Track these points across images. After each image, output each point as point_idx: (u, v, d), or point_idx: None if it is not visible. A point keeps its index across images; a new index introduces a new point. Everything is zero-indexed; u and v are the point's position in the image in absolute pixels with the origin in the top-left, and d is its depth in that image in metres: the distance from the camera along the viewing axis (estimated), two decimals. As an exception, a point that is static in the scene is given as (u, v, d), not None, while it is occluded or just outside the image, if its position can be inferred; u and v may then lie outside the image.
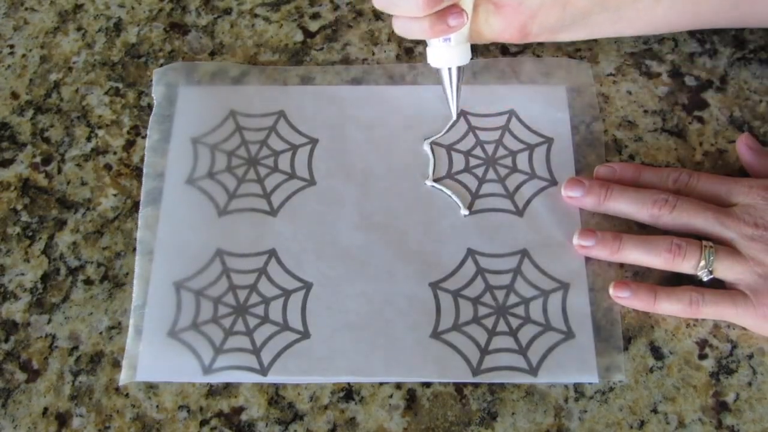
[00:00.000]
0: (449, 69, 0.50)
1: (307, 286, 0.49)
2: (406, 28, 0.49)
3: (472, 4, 0.49)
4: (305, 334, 0.47)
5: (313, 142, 0.54)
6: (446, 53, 0.50)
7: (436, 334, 0.47)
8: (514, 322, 0.48)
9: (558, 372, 0.46)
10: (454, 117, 0.53)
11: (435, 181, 0.52)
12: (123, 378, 0.46)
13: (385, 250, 0.50)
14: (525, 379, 0.46)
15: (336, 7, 0.60)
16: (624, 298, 0.47)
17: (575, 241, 0.49)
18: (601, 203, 0.49)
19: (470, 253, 0.50)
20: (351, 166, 0.53)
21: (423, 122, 0.54)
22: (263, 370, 0.46)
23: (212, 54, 0.58)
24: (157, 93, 0.56)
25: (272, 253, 0.50)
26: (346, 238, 0.50)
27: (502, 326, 0.47)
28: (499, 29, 0.52)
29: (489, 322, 0.48)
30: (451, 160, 0.53)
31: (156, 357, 0.47)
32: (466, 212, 0.51)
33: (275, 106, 0.55)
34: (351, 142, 0.54)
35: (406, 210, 0.51)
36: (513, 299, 0.48)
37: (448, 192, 0.52)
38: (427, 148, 0.54)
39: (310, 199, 0.52)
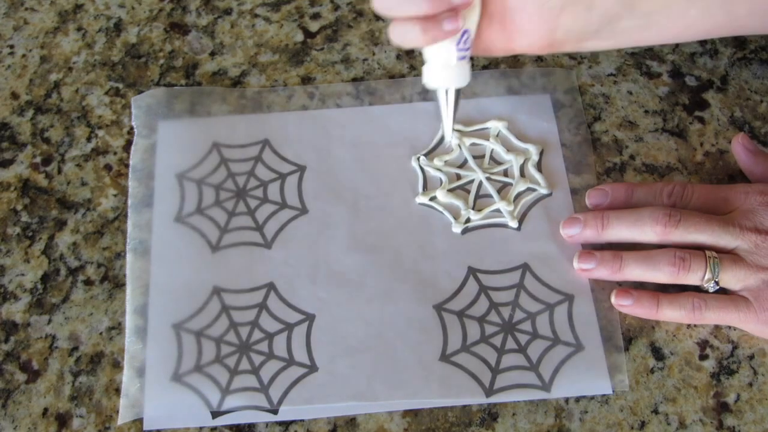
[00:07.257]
0: (446, 91, 0.47)
1: (310, 318, 0.48)
2: (400, 33, 0.44)
3: (477, 15, 0.44)
4: (313, 368, 0.46)
5: (301, 169, 0.53)
6: (443, 72, 0.45)
7: (445, 357, 0.46)
8: (523, 339, 0.47)
9: (571, 386, 0.45)
10: (447, 140, 0.51)
11: (426, 197, 0.51)
12: (122, 417, 0.45)
13: (381, 270, 0.49)
14: (539, 396, 0.45)
15: (336, 7, 0.60)
16: (626, 306, 0.47)
17: (575, 264, 0.48)
18: (600, 234, 0.48)
19: (471, 271, 0.49)
20: (340, 187, 0.52)
21: (410, 139, 0.54)
22: (273, 408, 0.45)
23: (212, 54, 0.58)
24: (137, 121, 0.54)
25: (271, 287, 0.49)
26: (342, 262, 0.49)
27: (510, 343, 0.47)
28: (519, 38, 0.47)
29: (497, 341, 0.47)
30: (441, 175, 0.53)
31: (161, 404, 0.45)
32: (460, 228, 0.50)
33: (258, 134, 0.54)
34: (338, 162, 0.53)
35: (398, 229, 0.50)
36: (519, 315, 0.48)
37: (440, 208, 0.51)
38: (415, 164, 0.53)
39: (303, 228, 0.51)
